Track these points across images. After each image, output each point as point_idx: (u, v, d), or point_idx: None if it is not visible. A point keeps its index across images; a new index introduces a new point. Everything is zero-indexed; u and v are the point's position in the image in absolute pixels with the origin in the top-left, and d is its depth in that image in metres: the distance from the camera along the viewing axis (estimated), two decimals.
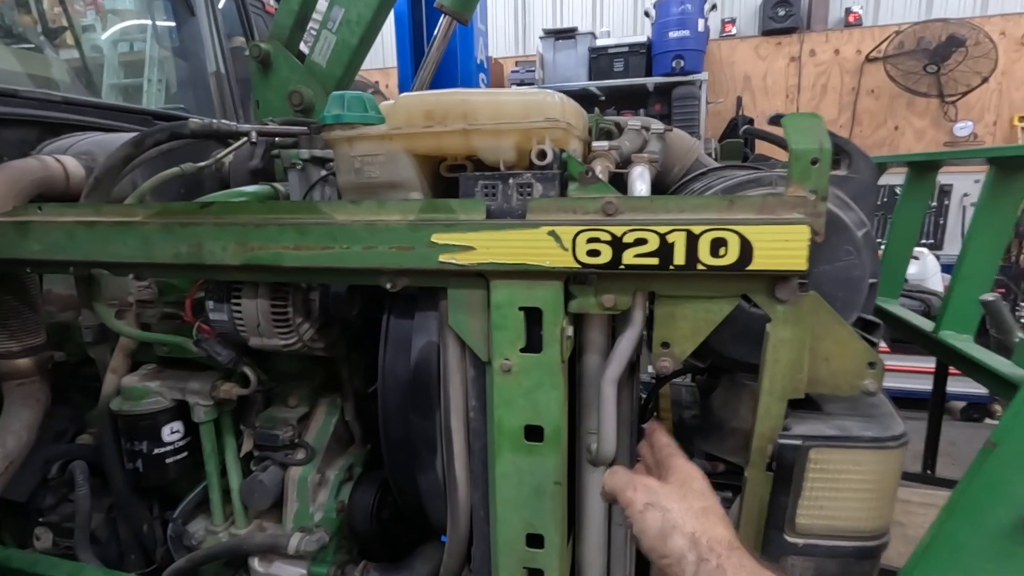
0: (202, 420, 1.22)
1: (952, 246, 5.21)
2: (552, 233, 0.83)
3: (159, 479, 1.25)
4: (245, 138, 1.35)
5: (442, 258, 0.87)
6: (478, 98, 0.91)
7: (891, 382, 4.44)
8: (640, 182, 0.90)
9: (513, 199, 0.89)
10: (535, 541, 0.97)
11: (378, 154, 0.95)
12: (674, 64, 5.18)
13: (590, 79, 5.53)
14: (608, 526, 1.06)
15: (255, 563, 1.21)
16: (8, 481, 1.26)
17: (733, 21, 5.94)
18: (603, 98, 5.80)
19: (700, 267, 0.80)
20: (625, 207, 0.83)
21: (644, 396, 1.47)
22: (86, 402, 1.43)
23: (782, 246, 0.78)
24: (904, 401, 4.46)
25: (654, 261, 0.81)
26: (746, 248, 0.78)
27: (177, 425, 1.25)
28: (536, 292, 0.88)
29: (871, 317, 0.92)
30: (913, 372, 4.18)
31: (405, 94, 0.94)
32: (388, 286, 0.93)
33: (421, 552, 1.24)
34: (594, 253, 0.82)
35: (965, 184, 5.12)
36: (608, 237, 0.81)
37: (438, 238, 0.87)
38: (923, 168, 1.40)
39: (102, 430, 1.25)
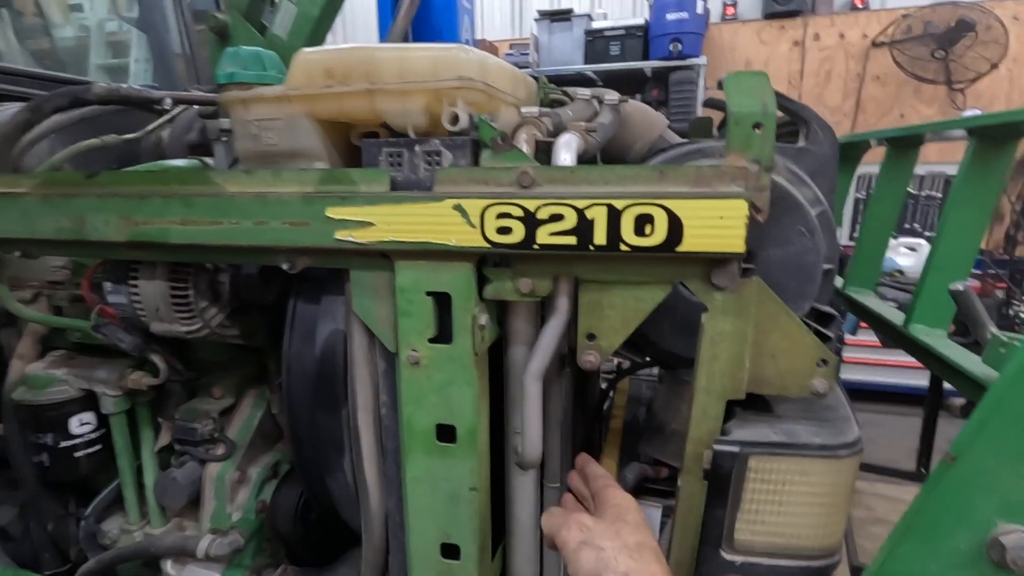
0: (111, 412, 1.13)
1: None
2: (458, 207, 0.72)
3: (68, 474, 1.16)
4: (175, 109, 1.25)
5: (338, 235, 0.77)
6: (384, 54, 0.80)
7: (886, 377, 4.35)
8: (565, 151, 0.79)
9: (420, 169, 0.78)
10: (451, 551, 0.88)
11: (276, 118, 0.84)
12: (671, 48, 5.01)
13: (586, 63, 5.36)
14: (540, 534, 0.97)
15: (167, 566, 1.13)
16: None
17: (735, 3, 5.74)
18: (600, 83, 5.64)
19: (624, 248, 0.69)
20: (543, 178, 0.72)
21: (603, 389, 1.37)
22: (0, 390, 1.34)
23: (716, 224, 0.67)
24: (900, 397, 4.35)
25: (572, 240, 0.70)
26: (675, 226, 0.68)
27: (88, 416, 1.16)
28: (443, 275, 0.78)
29: (826, 308, 0.82)
30: (909, 368, 4.07)
31: (305, 49, 0.83)
32: (286, 267, 0.83)
33: (348, 557, 1.15)
34: (505, 231, 0.72)
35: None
36: (520, 212, 0.71)
37: (333, 212, 0.76)
38: (902, 145, 1.27)
39: (6, 421, 1.16)
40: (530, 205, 0.70)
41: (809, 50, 5.66)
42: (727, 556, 0.78)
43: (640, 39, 5.20)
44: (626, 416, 1.20)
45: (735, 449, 0.74)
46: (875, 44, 5.44)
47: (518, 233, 0.71)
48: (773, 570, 0.77)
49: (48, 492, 1.21)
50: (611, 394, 1.38)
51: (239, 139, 0.88)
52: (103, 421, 1.18)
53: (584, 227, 0.70)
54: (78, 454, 1.15)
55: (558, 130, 0.92)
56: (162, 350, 1.09)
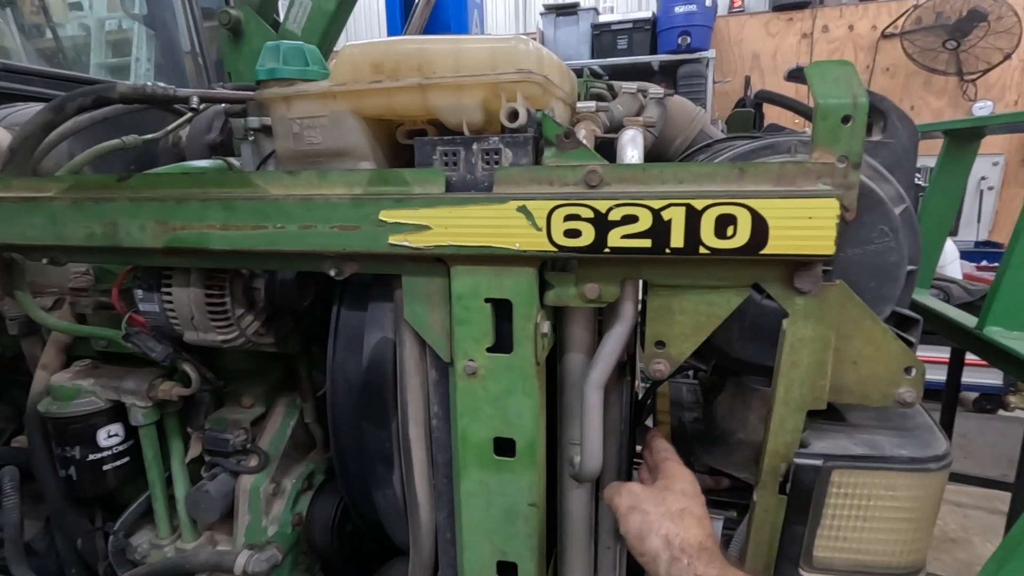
0: (140, 423, 1.09)
1: (968, 231, 5.02)
2: (522, 209, 0.68)
3: (97, 488, 1.12)
4: (195, 110, 1.20)
5: (392, 240, 0.72)
6: (437, 46, 0.76)
7: None
8: (632, 147, 0.75)
9: (478, 168, 0.73)
10: (507, 570, 0.84)
11: (320, 115, 0.79)
12: (680, 41, 4.95)
13: (592, 57, 5.30)
14: (595, 549, 0.93)
15: None
16: None
17: None
18: (606, 77, 5.58)
19: (703, 251, 0.65)
20: (612, 177, 0.68)
21: (641, 395, 1.33)
22: (24, 400, 1.29)
23: (804, 224, 0.63)
24: None
25: (646, 243, 0.66)
26: (760, 227, 0.63)
27: (116, 428, 1.12)
28: (505, 281, 0.73)
29: (908, 312, 0.77)
30: (924, 362, 4.03)
31: (351, 43, 0.79)
32: (333, 273, 0.79)
33: (388, 570, 1.11)
34: (573, 233, 0.67)
35: (983, 167, 4.91)
36: (590, 214, 0.66)
37: (387, 215, 0.72)
38: (962, 138, 1.23)
39: (31, 434, 1.12)
40: (601, 206, 0.66)
41: (817, 42, 5.60)
42: (805, 574, 0.74)
43: (648, 32, 5.15)
44: (672, 421, 1.16)
45: (818, 463, 0.70)
46: (884, 35, 5.39)
47: (587, 236, 0.67)
48: None
49: (74, 506, 1.17)
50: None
51: (279, 138, 0.83)
52: (130, 433, 1.14)
53: (660, 229, 0.65)
54: (106, 467, 1.11)
55: (614, 126, 0.88)
56: (193, 359, 1.05)
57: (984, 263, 4.17)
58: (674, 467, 0.77)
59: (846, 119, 0.64)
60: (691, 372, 1.48)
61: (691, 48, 4.96)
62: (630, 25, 5.15)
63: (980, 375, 3.93)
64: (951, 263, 3.31)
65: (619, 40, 5.18)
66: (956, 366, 2.62)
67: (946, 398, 2.66)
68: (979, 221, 5.07)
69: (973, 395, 4.22)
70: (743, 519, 0.86)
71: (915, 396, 0.70)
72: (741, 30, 5.75)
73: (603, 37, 5.25)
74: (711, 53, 5.01)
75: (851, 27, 5.49)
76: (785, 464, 0.73)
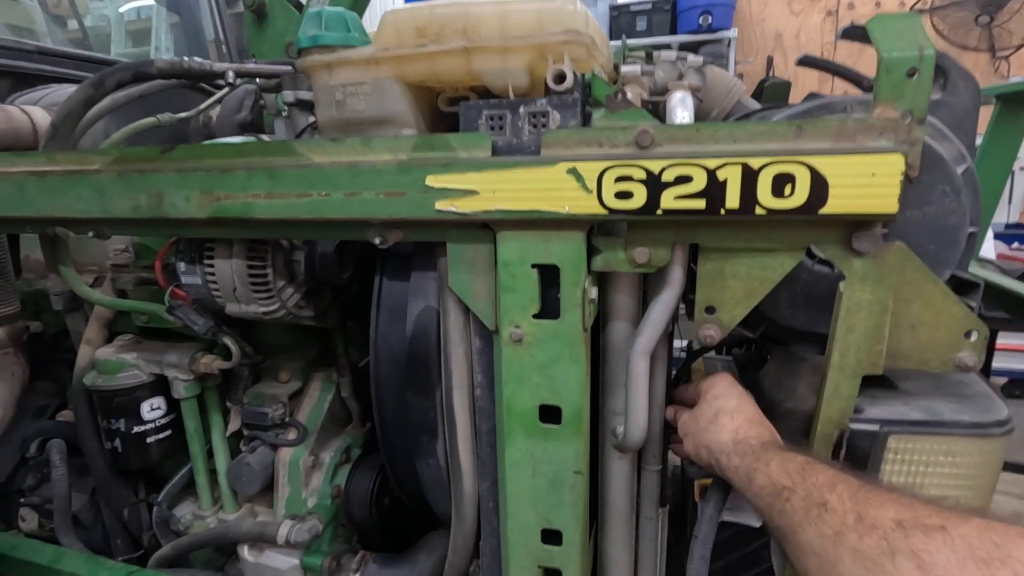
0: (183, 396, 1.10)
1: (1000, 213, 4.88)
2: (572, 171, 0.67)
3: (141, 460, 1.14)
4: (231, 84, 1.21)
5: (439, 205, 0.72)
6: (483, 10, 0.75)
7: None
8: (682, 108, 0.73)
9: (524, 132, 0.72)
10: (552, 537, 0.84)
11: (363, 83, 0.79)
12: (701, 21, 4.85)
13: (611, 39, 5.23)
14: (636, 519, 0.93)
15: (244, 551, 1.10)
16: None
17: None
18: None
19: (759, 211, 0.63)
20: (664, 137, 0.66)
21: (674, 372, 1.32)
22: (69, 375, 1.32)
23: (867, 182, 0.61)
24: None
25: (700, 204, 0.64)
26: (819, 185, 0.61)
27: (158, 401, 1.14)
28: (552, 246, 0.72)
29: (968, 275, 0.75)
30: None
31: (393, 8, 0.78)
32: (377, 241, 0.79)
33: (426, 543, 1.12)
34: (625, 195, 0.66)
35: None
36: (642, 175, 0.65)
37: (434, 180, 0.71)
38: (1016, 102, 1.18)
39: (77, 407, 1.15)
40: (654, 167, 0.65)
41: (843, 20, 5.45)
42: None
43: (668, 13, 5.05)
44: None
45: (874, 428, 0.69)
46: (913, 11, 5.23)
47: (639, 198, 0.66)
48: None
49: (119, 478, 1.19)
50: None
51: (321, 107, 0.83)
52: (172, 407, 1.16)
53: (715, 189, 0.64)
54: (150, 439, 1.13)
55: (659, 90, 0.86)
56: (233, 332, 1.06)
57: (1016, 245, 4.06)
58: (707, 380, 0.82)
59: (911, 73, 0.62)
60: (725, 348, 1.47)
61: (712, 28, 4.86)
62: (649, 6, 5.06)
63: (1010, 360, 3.85)
64: (984, 243, 3.23)
65: (638, 21, 5.09)
66: (988, 350, 2.57)
67: None
68: (1010, 202, 4.93)
69: (1002, 380, 4.14)
70: None
71: (976, 361, 0.68)
72: (764, 9, 5.62)
73: (621, 19, 5.16)
74: (733, 33, 4.91)
75: (878, 3, 5.33)
76: (839, 431, 0.72)
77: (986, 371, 2.69)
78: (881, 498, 0.52)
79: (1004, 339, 3.50)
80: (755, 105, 1.21)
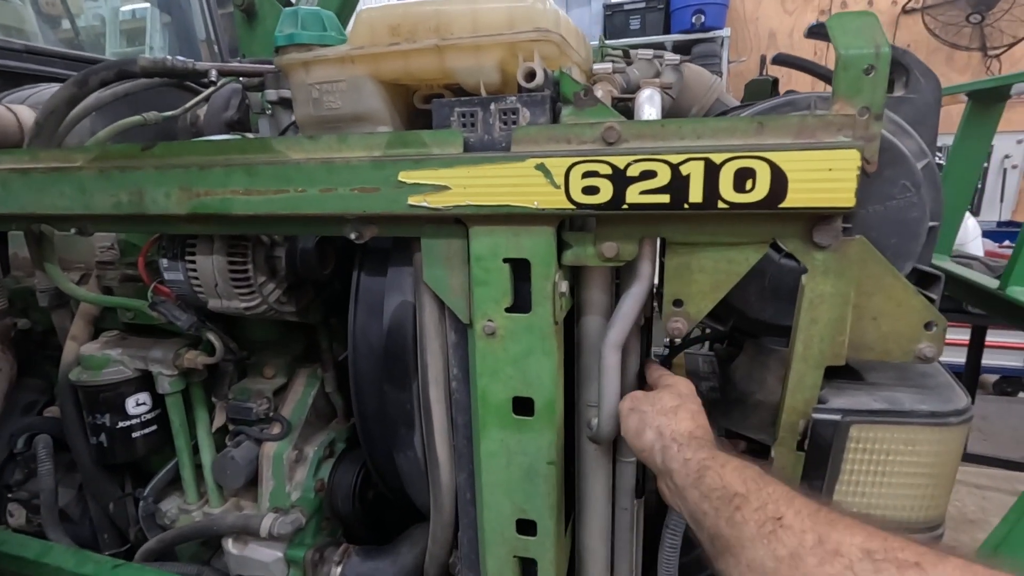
0: (167, 391, 1.12)
1: (991, 211, 4.91)
2: (540, 167, 0.68)
3: (127, 454, 1.15)
4: (213, 83, 1.22)
5: (411, 200, 0.73)
6: (453, 8, 0.76)
7: None
8: (649, 105, 0.75)
9: (495, 128, 0.74)
10: (527, 527, 0.85)
11: (339, 80, 0.80)
12: (694, 20, 4.87)
13: (607, 38, 5.25)
14: (612, 510, 0.94)
15: (229, 544, 1.12)
16: None
17: None
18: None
19: (722, 205, 0.65)
20: (630, 133, 0.68)
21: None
22: (55, 372, 1.33)
23: (824, 176, 0.62)
24: None
25: (664, 199, 0.66)
26: (779, 180, 0.63)
27: (143, 397, 1.15)
28: (523, 240, 0.74)
29: (929, 268, 0.77)
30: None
31: (367, 7, 0.79)
32: (353, 236, 0.80)
33: (408, 536, 1.13)
34: (591, 190, 0.68)
35: (1007, 145, 4.79)
36: (608, 170, 0.67)
37: (407, 176, 0.73)
38: (986, 99, 1.20)
39: (63, 402, 1.16)
40: (619, 162, 0.66)
41: None
42: None
43: (661, 12, 5.06)
44: None
45: (836, 417, 0.71)
46: (905, 11, 5.25)
47: (605, 193, 0.67)
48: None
49: (105, 472, 1.20)
50: None
51: (299, 104, 0.84)
52: (157, 402, 1.17)
53: (678, 184, 0.65)
54: (135, 434, 1.14)
55: (631, 89, 0.88)
56: (216, 328, 1.07)
57: (1007, 243, 4.08)
58: (670, 377, 0.80)
59: (868, 70, 0.63)
60: (708, 344, 1.49)
61: (705, 27, 4.87)
62: (643, 4, 5.07)
63: (1000, 357, 3.88)
64: (973, 241, 3.25)
65: (631, 20, 5.11)
66: (976, 347, 2.59)
67: (966, 379, 2.63)
68: (1002, 201, 4.96)
69: (993, 378, 4.17)
70: None
71: (936, 351, 0.70)
72: (757, 7, 5.64)
73: (615, 17, 5.18)
74: (726, 32, 4.93)
75: (870, 2, 5.36)
76: (803, 421, 0.74)
77: (975, 368, 2.71)
78: (845, 522, 0.47)
79: (994, 337, 3.53)
80: (734, 102, 1.23)
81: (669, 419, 0.69)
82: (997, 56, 4.99)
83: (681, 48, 5.15)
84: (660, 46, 5.19)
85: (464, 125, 0.75)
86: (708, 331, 1.35)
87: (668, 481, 0.65)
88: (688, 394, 0.75)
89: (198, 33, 2.66)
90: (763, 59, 5.49)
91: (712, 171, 0.64)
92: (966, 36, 4.96)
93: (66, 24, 2.69)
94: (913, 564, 0.40)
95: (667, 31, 5.10)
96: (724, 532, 0.53)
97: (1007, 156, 4.86)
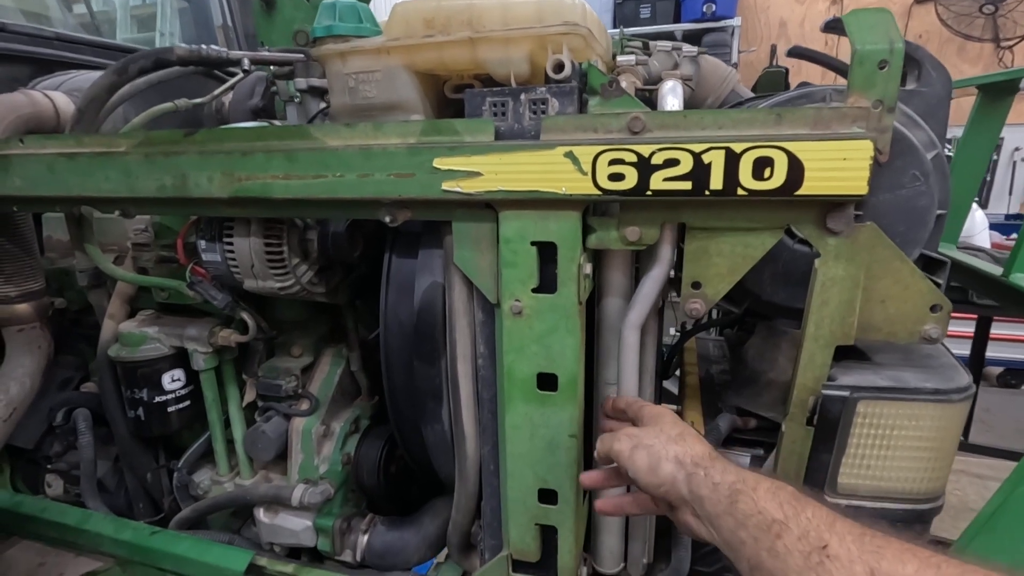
0: (202, 368, 1.17)
1: (999, 204, 4.91)
2: (569, 155, 0.72)
3: (162, 428, 1.21)
4: (246, 71, 1.26)
5: (445, 186, 0.77)
6: (485, 2, 0.80)
7: None
8: (672, 96, 0.78)
9: (525, 118, 0.78)
10: (548, 497, 0.90)
11: (374, 70, 0.84)
12: (705, 9, 4.86)
13: (614, 27, 5.23)
14: (628, 487, 0.99)
15: (260, 514, 1.18)
16: (13, 428, 1.24)
17: None
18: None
19: (741, 192, 0.69)
20: (654, 124, 0.72)
21: (667, 352, 1.38)
22: (90, 350, 1.39)
23: (839, 166, 0.66)
24: None
25: (687, 185, 0.70)
26: (796, 169, 0.67)
27: (178, 373, 1.20)
28: (550, 224, 0.78)
29: (936, 254, 0.81)
30: (948, 336, 4.01)
31: (402, 0, 0.83)
32: (387, 220, 0.84)
33: (431, 507, 1.19)
34: (617, 177, 0.72)
35: (1018, 137, 4.78)
36: (633, 158, 0.71)
37: (441, 163, 0.77)
38: (996, 92, 1.23)
39: (102, 377, 1.21)
40: (644, 150, 0.70)
41: (847, 9, 5.44)
42: (831, 499, 0.79)
43: (671, 1, 5.05)
44: (700, 372, 1.21)
45: (844, 394, 0.75)
46: (918, 1, 5.21)
47: (631, 179, 0.71)
48: (877, 513, 0.78)
49: (141, 445, 1.26)
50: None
51: (335, 93, 0.88)
52: (191, 379, 1.23)
53: (700, 172, 0.69)
54: (171, 409, 1.20)
55: (652, 79, 0.91)
56: (249, 308, 1.12)
57: (1015, 236, 4.09)
58: (653, 408, 0.76)
59: (882, 64, 0.67)
60: (718, 329, 1.53)
61: (716, 16, 4.86)
62: None
63: (1005, 350, 3.91)
64: (980, 232, 3.27)
65: (642, 9, 5.10)
66: (981, 339, 2.62)
67: (970, 371, 2.66)
68: (1011, 193, 4.95)
69: (998, 370, 4.19)
70: (769, 455, 0.91)
71: (940, 332, 0.74)
72: None
73: (625, 6, 5.17)
74: (737, 21, 4.91)
75: None
76: (813, 397, 0.78)
77: (980, 360, 2.73)
78: (893, 549, 0.45)
79: (999, 329, 3.55)
80: (748, 94, 1.26)
81: (683, 446, 0.65)
82: (1010, 47, 4.96)
83: (691, 37, 5.14)
84: (670, 35, 5.17)
85: (495, 114, 0.79)
86: (719, 316, 1.39)
87: (696, 510, 0.61)
88: (676, 418, 0.73)
89: (215, 19, 2.69)
90: (773, 49, 5.46)
91: (732, 160, 0.68)
92: (979, 27, 4.93)
93: (79, 9, 2.72)
94: None
95: (677, 20, 5.08)
96: (767, 564, 0.50)
97: (1017, 149, 4.85)
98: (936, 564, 0.43)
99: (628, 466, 0.68)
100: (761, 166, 0.68)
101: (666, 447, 0.66)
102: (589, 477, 0.79)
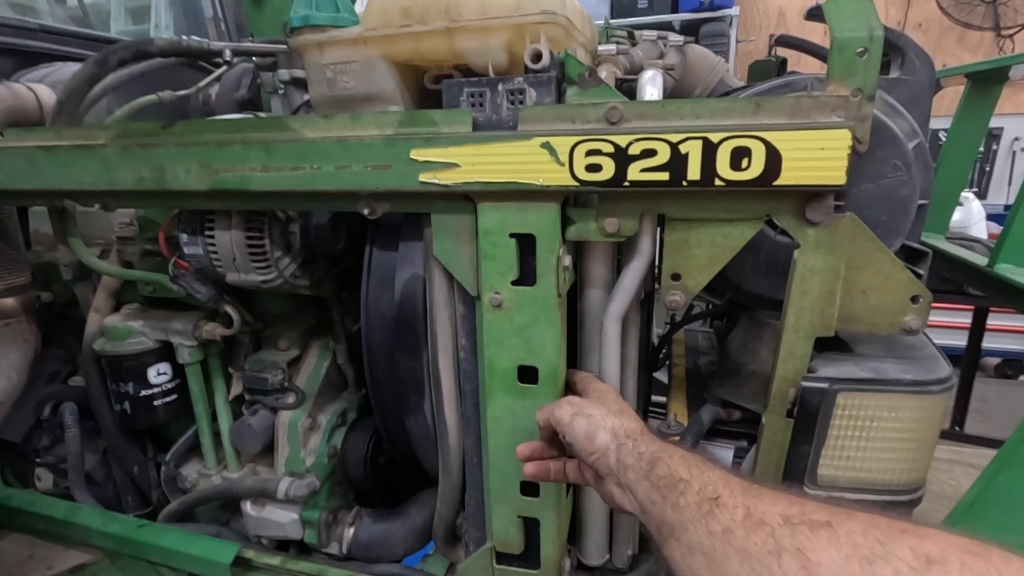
0: (187, 361, 1.17)
1: (998, 195, 4.89)
2: (546, 145, 0.72)
3: (148, 421, 1.21)
4: (228, 62, 1.25)
5: (423, 177, 0.77)
6: None
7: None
8: (651, 86, 0.77)
9: (503, 108, 0.77)
10: (530, 489, 0.90)
11: (352, 61, 0.83)
12: None
13: (612, 17, 5.18)
14: None
15: (247, 507, 1.18)
16: (1, 422, 1.24)
17: None
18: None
19: (718, 182, 0.68)
20: (632, 114, 0.71)
21: (657, 342, 1.38)
22: (78, 343, 1.38)
23: (817, 155, 0.65)
24: None
25: (664, 176, 0.69)
26: (773, 158, 0.66)
27: (164, 367, 1.20)
28: (529, 216, 0.77)
29: (918, 245, 0.80)
30: (946, 327, 4.01)
31: None
32: (366, 212, 0.84)
33: (417, 499, 1.19)
34: (594, 168, 0.71)
35: (1018, 127, 4.75)
36: (610, 148, 0.70)
37: (418, 154, 0.76)
38: (985, 81, 1.21)
39: (88, 371, 1.21)
40: (621, 141, 0.69)
41: None
42: (810, 491, 0.79)
43: None
44: (687, 364, 1.20)
45: (824, 386, 0.75)
46: None
47: (608, 170, 0.71)
48: (856, 504, 0.78)
49: (128, 438, 1.26)
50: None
51: (313, 84, 0.87)
52: (177, 372, 1.22)
53: (677, 162, 0.68)
54: (157, 402, 1.20)
55: (634, 70, 0.90)
56: (234, 301, 1.12)
57: None
58: (601, 385, 0.81)
59: (862, 52, 0.66)
60: (707, 320, 1.52)
61: (714, 5, 4.82)
62: None
63: (1001, 341, 3.90)
64: (976, 223, 3.26)
65: None
66: (978, 330, 2.62)
67: (966, 362, 2.66)
68: (1010, 184, 4.93)
69: (995, 361, 4.19)
70: (752, 448, 0.91)
71: (920, 323, 0.74)
72: None
73: None
74: (735, 11, 4.87)
75: None
76: (793, 389, 0.78)
77: (976, 351, 2.73)
78: (770, 494, 0.50)
79: (996, 320, 3.55)
80: (738, 83, 1.25)
81: (620, 419, 0.69)
82: (1011, 36, 4.92)
83: (689, 28, 5.10)
84: (667, 25, 5.12)
85: (473, 105, 0.78)
86: (709, 307, 1.39)
87: (620, 479, 0.65)
88: (620, 397, 0.77)
89: (206, 11, 2.67)
90: (772, 39, 5.42)
91: (710, 150, 0.67)
92: (979, 15, 4.89)
93: (71, 2, 2.70)
94: (824, 524, 0.44)
95: (675, 10, 5.03)
96: (669, 517, 0.55)
97: (1016, 139, 4.83)
98: (801, 503, 0.48)
99: (567, 431, 0.72)
100: (739, 156, 0.67)
101: (605, 418, 0.70)
102: (525, 447, 0.82)
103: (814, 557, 0.43)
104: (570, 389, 0.85)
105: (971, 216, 3.10)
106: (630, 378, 0.93)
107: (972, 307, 2.64)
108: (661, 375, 1.55)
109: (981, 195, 4.77)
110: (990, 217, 3.74)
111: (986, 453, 3.10)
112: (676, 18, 5.01)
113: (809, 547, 0.43)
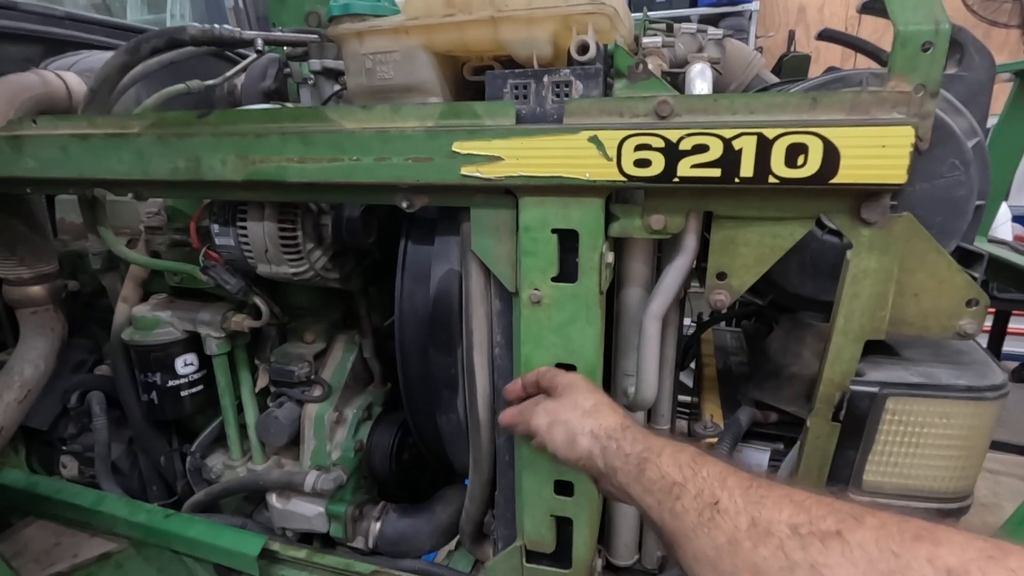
0: (215, 353, 1.16)
1: (1020, 195, 4.80)
2: (593, 139, 0.70)
3: (174, 411, 1.21)
4: (260, 51, 1.24)
5: (464, 170, 0.75)
6: None
7: None
8: (700, 80, 0.75)
9: (548, 101, 0.75)
10: (564, 488, 0.89)
11: (392, 51, 0.82)
12: None
13: (632, 12, 5.14)
14: None
15: (273, 499, 1.18)
16: (28, 409, 1.24)
17: None
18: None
19: (772, 180, 0.66)
20: (683, 108, 0.69)
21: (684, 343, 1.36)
22: (104, 333, 1.39)
23: (877, 153, 0.63)
24: None
25: (715, 172, 0.67)
26: (831, 156, 0.64)
27: (191, 358, 1.20)
28: (572, 212, 0.76)
29: (973, 247, 0.78)
30: None
31: None
32: (404, 205, 0.82)
33: (443, 496, 1.18)
34: (643, 163, 0.69)
35: None
36: (661, 143, 0.68)
37: (460, 147, 0.75)
38: None
39: (115, 361, 1.21)
40: (672, 136, 0.67)
41: None
42: (855, 496, 0.78)
43: None
44: (718, 364, 1.19)
45: (873, 390, 0.73)
46: None
47: (657, 166, 0.69)
48: (902, 512, 0.76)
49: (154, 428, 1.26)
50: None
51: (351, 74, 0.86)
52: (204, 363, 1.22)
53: (730, 158, 0.66)
54: (183, 393, 1.20)
55: (678, 62, 0.88)
56: (262, 292, 1.11)
57: None
58: (563, 376, 0.76)
59: (926, 46, 0.63)
60: (735, 320, 1.50)
61: (734, 0, 4.76)
62: None
63: (1021, 345, 3.84)
64: (1002, 224, 3.19)
65: None
66: (999, 333, 2.58)
67: None
68: None
69: (1012, 364, 4.13)
70: (789, 451, 0.89)
71: (976, 328, 0.71)
72: None
73: None
74: (755, 5, 4.81)
75: None
76: (840, 392, 0.76)
77: (996, 354, 2.69)
78: (774, 497, 0.47)
79: (1017, 323, 3.49)
80: (773, 79, 1.22)
81: (596, 419, 0.67)
82: None
83: (707, 22, 5.02)
84: (686, 20, 5.07)
85: (517, 97, 0.76)
86: (736, 307, 1.37)
87: (613, 480, 0.63)
88: (594, 390, 0.74)
89: (226, 1, 2.66)
90: (791, 34, 5.36)
91: (764, 146, 0.65)
92: (1005, 13, 4.79)
93: None
94: (835, 534, 0.42)
95: (694, 4, 4.98)
96: (669, 525, 0.53)
97: None
98: (807, 507, 0.45)
99: (547, 441, 0.71)
100: (795, 153, 0.65)
101: (581, 422, 0.68)
102: (507, 415, 0.80)
103: (829, 574, 0.41)
104: (516, 392, 0.82)
105: (997, 217, 3.04)
106: (667, 378, 0.91)
107: (993, 310, 2.60)
108: (685, 376, 1.54)
109: (1005, 196, 4.68)
110: (1014, 219, 3.66)
111: (1004, 458, 3.06)
112: (695, 11, 4.95)
113: (823, 563, 0.41)
